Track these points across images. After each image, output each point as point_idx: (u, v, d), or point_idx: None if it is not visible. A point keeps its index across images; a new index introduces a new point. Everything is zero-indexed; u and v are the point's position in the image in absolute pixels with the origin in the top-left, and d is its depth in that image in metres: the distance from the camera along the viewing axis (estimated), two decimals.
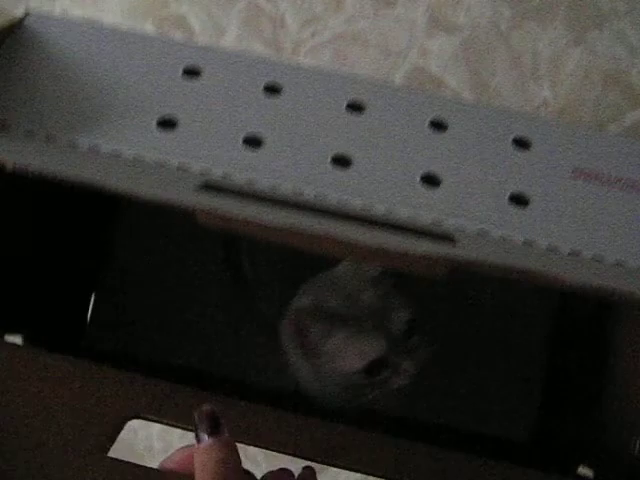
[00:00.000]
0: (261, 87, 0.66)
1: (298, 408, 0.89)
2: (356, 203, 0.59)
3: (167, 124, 0.63)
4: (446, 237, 0.55)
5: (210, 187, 0.56)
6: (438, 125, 0.65)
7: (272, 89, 0.66)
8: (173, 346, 0.96)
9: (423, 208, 0.60)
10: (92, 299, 0.97)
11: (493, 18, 1.05)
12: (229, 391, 0.88)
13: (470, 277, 0.82)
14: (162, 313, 0.96)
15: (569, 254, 0.58)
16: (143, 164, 0.60)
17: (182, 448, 0.56)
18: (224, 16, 1.05)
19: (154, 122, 0.63)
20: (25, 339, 0.79)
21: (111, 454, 0.58)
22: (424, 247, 0.51)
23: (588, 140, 0.66)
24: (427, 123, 0.65)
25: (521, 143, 0.65)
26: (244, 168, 0.61)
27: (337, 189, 0.60)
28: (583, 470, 0.80)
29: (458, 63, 1.05)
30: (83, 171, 0.54)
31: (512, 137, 0.65)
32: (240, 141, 0.62)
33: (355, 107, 0.66)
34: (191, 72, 0.67)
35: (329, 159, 0.62)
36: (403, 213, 0.59)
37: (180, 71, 0.66)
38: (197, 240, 0.96)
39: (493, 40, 1.05)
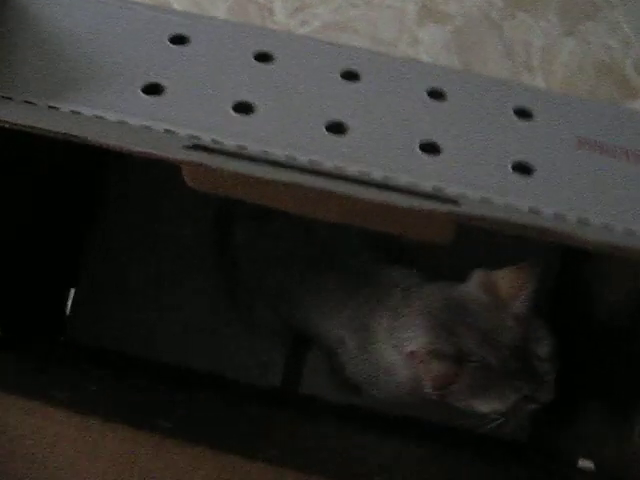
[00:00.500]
0: (252, 55, 0.63)
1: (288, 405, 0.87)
2: (353, 169, 0.56)
3: (153, 90, 0.60)
4: (449, 201, 0.52)
5: (199, 147, 0.53)
6: (437, 94, 0.63)
7: (263, 57, 0.63)
8: (156, 342, 0.92)
9: (423, 175, 0.57)
10: (72, 292, 0.93)
11: (485, 8, 1.03)
12: (212, 388, 0.86)
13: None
14: (145, 308, 0.93)
15: (577, 222, 0.55)
16: (128, 126, 0.57)
17: None
18: (210, 3, 1.02)
19: (139, 88, 0.60)
20: (3, 329, 0.76)
21: None
22: (429, 206, 0.48)
23: (592, 111, 0.64)
24: (425, 92, 0.63)
25: (523, 113, 0.62)
26: (234, 134, 0.58)
27: (332, 156, 0.57)
28: (583, 463, 0.78)
29: (449, 53, 1.03)
30: (65, 126, 0.51)
31: (513, 107, 0.63)
32: (230, 108, 0.59)
33: (350, 75, 0.63)
34: (179, 39, 0.64)
35: (324, 126, 0.59)
36: (402, 179, 0.56)
37: (167, 38, 0.64)
38: (183, 234, 0.93)
39: (485, 30, 1.03)
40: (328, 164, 0.56)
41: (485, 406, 0.71)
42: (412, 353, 0.72)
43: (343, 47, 0.65)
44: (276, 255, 0.85)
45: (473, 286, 0.73)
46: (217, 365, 0.92)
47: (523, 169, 0.58)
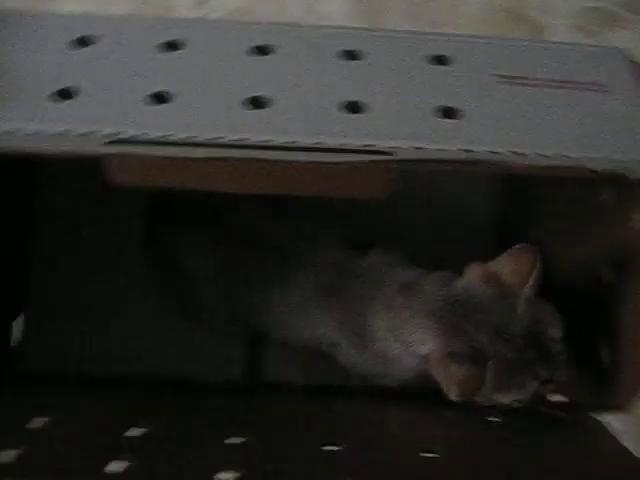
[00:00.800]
0: (159, 45, 0.62)
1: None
2: (280, 140, 0.55)
3: (65, 95, 0.58)
4: (382, 153, 0.52)
5: (120, 141, 0.52)
6: (352, 55, 0.62)
7: (171, 45, 0.62)
8: (111, 356, 0.90)
9: (352, 135, 0.56)
10: (19, 322, 0.91)
11: None
12: (180, 391, 0.84)
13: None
14: (94, 324, 0.91)
15: (512, 154, 0.55)
16: (45, 135, 0.55)
17: None
18: (110, 5, 1.00)
19: (50, 96, 0.58)
20: None
21: None
22: (363, 159, 0.48)
23: (507, 48, 0.64)
24: (339, 55, 0.62)
25: (440, 59, 0.62)
26: (155, 126, 0.56)
27: (258, 130, 0.56)
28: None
29: (356, 22, 1.02)
30: None
31: (429, 55, 0.62)
32: (146, 100, 0.58)
33: (262, 50, 0.62)
34: (83, 42, 0.62)
35: (244, 103, 0.57)
36: (332, 142, 0.55)
37: (70, 42, 0.62)
38: (122, 243, 0.91)
39: None
40: (255, 139, 0.55)
41: (507, 398, 0.69)
42: (426, 356, 0.70)
43: (250, 24, 0.64)
44: (226, 265, 0.82)
45: (472, 280, 0.72)
46: (175, 371, 0.90)
47: (450, 114, 0.58)
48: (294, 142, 0.55)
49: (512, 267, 0.70)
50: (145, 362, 0.89)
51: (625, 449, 0.66)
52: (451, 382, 0.67)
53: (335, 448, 0.61)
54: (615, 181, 0.66)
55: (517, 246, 0.70)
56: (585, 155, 0.55)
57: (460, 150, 0.54)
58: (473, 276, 0.72)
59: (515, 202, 0.92)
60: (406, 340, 0.72)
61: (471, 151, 0.54)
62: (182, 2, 1.01)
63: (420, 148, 0.55)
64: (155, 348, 0.91)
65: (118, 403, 0.72)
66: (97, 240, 0.92)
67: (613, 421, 0.72)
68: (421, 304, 0.72)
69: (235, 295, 0.82)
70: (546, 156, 0.55)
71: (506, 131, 0.57)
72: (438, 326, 0.70)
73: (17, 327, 0.90)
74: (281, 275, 0.79)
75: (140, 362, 0.89)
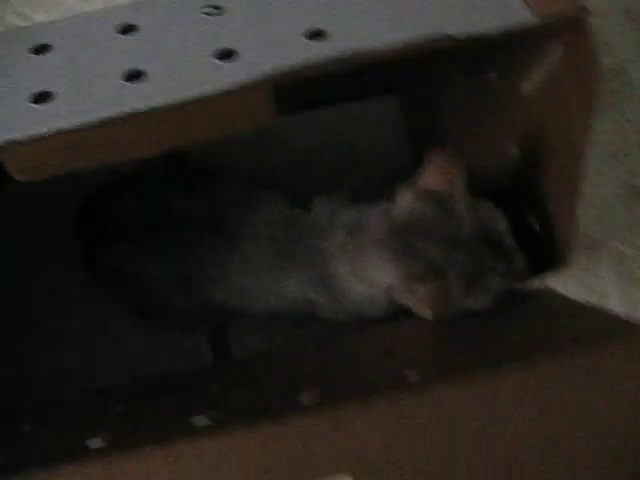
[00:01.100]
0: (29, 51, 0.63)
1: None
2: (163, 100, 0.56)
3: None
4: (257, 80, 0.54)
5: (14, 142, 0.53)
6: (214, 6, 0.63)
7: (40, 49, 0.63)
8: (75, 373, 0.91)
9: (229, 77, 0.56)
10: None
11: None
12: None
13: None
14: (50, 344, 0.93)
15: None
16: None
17: None
18: None
19: None
20: None
21: None
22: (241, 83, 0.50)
23: None
24: (203, 10, 0.63)
25: None
26: (45, 123, 0.57)
27: (141, 98, 0.57)
28: None
29: None
30: None
31: None
32: (29, 103, 0.58)
33: (127, 29, 0.63)
34: None
35: (122, 79, 0.58)
36: (212, 88, 0.56)
37: None
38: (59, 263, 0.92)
39: None
40: (139, 105, 0.56)
41: (476, 301, 0.72)
42: (390, 287, 0.73)
43: (109, 8, 0.65)
44: (179, 260, 0.83)
45: (407, 203, 0.74)
46: (143, 371, 0.91)
47: (318, 35, 0.59)
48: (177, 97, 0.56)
49: (438, 177, 0.72)
50: (111, 371, 0.90)
51: (574, 301, 0.68)
52: (423, 302, 0.69)
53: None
54: (495, 56, 0.69)
55: (433, 154, 0.72)
56: (443, 29, 0.57)
57: (328, 55, 0.55)
58: (407, 198, 0.73)
59: (419, 111, 0.94)
60: (368, 278, 0.75)
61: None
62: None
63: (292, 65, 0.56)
64: (120, 355, 0.92)
65: (88, 405, 0.73)
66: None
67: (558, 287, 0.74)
68: (370, 240, 0.74)
69: (196, 285, 0.84)
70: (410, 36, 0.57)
71: (368, 34, 0.58)
72: (392, 256, 0.72)
73: None
74: (232, 249, 0.81)
75: (105, 373, 0.90)
